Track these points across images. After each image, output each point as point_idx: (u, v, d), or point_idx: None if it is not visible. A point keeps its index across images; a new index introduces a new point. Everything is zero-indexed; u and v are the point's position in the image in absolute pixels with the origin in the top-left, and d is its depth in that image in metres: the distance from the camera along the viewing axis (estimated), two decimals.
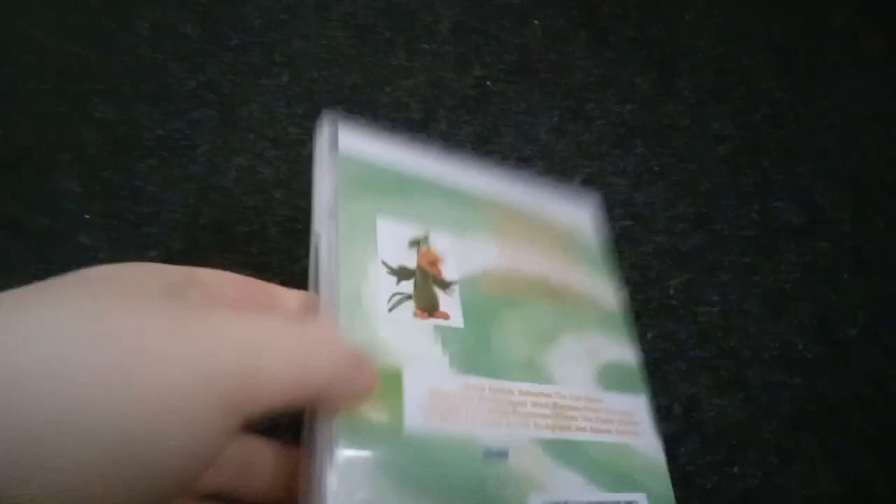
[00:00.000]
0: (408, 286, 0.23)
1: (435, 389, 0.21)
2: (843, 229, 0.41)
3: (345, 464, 0.19)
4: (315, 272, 0.23)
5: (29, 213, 0.33)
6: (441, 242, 0.25)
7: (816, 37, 0.52)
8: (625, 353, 0.26)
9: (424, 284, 0.23)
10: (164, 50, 0.37)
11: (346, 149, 0.25)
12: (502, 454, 0.21)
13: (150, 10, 0.39)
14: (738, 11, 0.57)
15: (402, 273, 0.23)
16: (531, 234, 0.27)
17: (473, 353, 0.22)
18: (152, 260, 0.29)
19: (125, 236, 0.32)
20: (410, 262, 0.24)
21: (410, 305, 0.23)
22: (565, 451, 0.22)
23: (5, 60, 0.35)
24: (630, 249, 0.37)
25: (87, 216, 0.33)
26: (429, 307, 0.23)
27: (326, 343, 0.18)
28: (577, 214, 0.29)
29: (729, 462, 0.32)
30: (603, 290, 0.27)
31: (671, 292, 0.36)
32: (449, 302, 0.23)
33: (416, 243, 0.24)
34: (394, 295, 0.22)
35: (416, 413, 0.20)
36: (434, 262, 0.24)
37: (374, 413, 0.20)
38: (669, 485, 0.24)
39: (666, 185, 0.40)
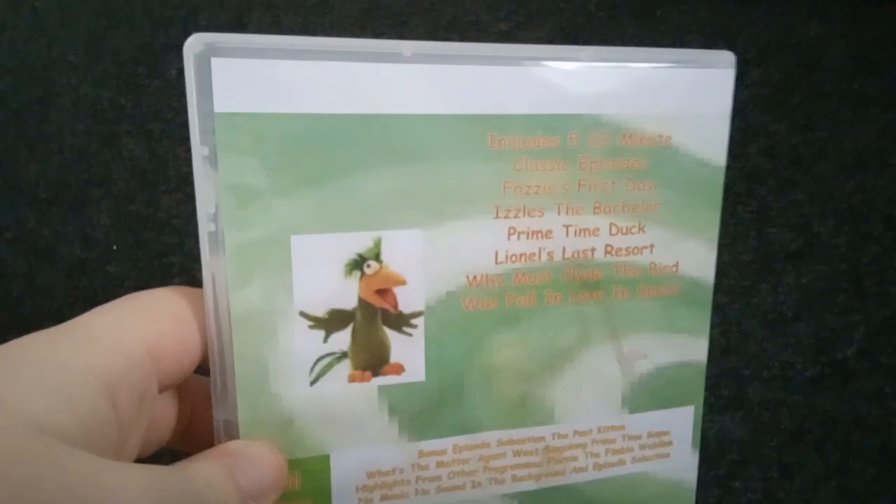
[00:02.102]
0: (342, 339, 0.17)
1: (374, 468, 0.17)
2: (839, 254, 0.43)
3: None
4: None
5: (62, 243, 0.35)
6: (402, 249, 0.17)
7: (811, 75, 0.54)
8: (691, 348, 0.20)
9: (369, 330, 0.17)
10: None
11: (228, 100, 0.15)
12: None
13: (178, 59, 0.42)
14: (734, 49, 0.60)
15: (333, 322, 0.16)
16: (569, 179, 0.18)
17: (436, 410, 0.18)
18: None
19: (151, 266, 0.34)
20: (348, 297, 0.16)
21: (345, 367, 0.17)
22: (550, 500, 0.19)
23: (46, 106, 0.38)
24: None
25: (115, 247, 0.35)
26: (372, 363, 0.17)
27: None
28: (676, 107, 0.19)
29: (731, 477, 0.33)
30: (689, 248, 0.20)
31: None
32: (406, 347, 0.17)
33: (356, 265, 0.16)
34: (319, 360, 0.17)
35: (348, 501, 0.17)
36: (387, 289, 0.17)
37: None
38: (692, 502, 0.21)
39: None
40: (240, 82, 0.15)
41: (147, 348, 0.15)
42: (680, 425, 0.20)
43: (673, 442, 0.20)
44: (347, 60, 0.16)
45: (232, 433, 0.16)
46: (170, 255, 0.35)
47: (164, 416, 0.18)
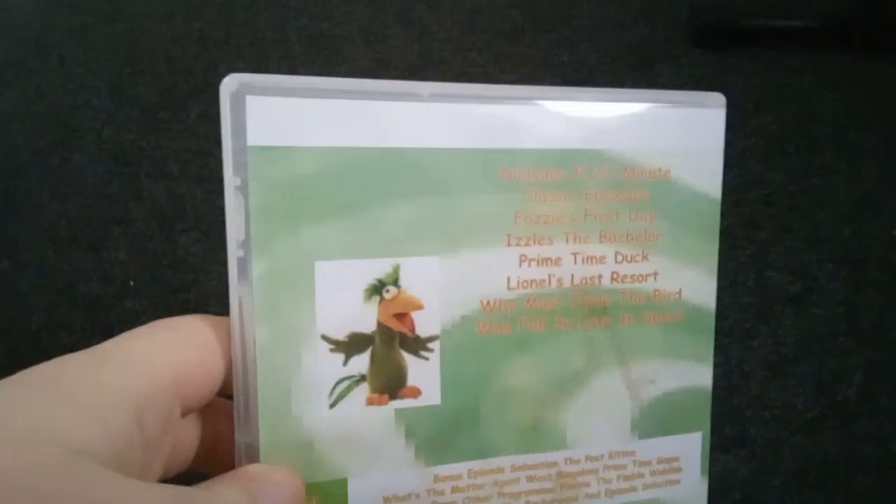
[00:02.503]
0: (361, 362, 0.17)
1: (391, 493, 0.18)
2: (837, 297, 0.44)
3: None
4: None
5: (82, 280, 0.36)
6: (419, 276, 0.18)
7: (805, 126, 0.55)
8: (696, 374, 0.21)
9: (387, 353, 0.17)
10: (208, 137, 0.42)
11: (260, 134, 0.16)
12: None
13: (196, 103, 0.43)
14: (732, 102, 0.62)
15: (353, 345, 0.17)
16: (576, 210, 0.19)
17: (451, 433, 0.18)
18: None
19: (166, 302, 0.35)
20: (367, 321, 0.17)
21: (363, 390, 0.17)
22: None
23: (69, 148, 0.40)
24: None
25: (132, 283, 0.36)
26: (390, 386, 0.18)
27: None
28: (676, 143, 0.20)
29: None
30: (690, 276, 0.20)
31: None
32: (423, 371, 0.18)
33: (376, 290, 0.17)
34: (339, 382, 0.17)
35: None
36: (405, 313, 0.18)
37: None
38: None
39: None
40: (271, 118, 0.16)
41: (173, 373, 0.16)
42: (688, 451, 0.21)
43: (682, 468, 0.21)
44: (371, 99, 0.17)
45: (253, 456, 0.17)
46: (185, 292, 0.36)
47: (187, 438, 0.18)
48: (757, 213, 0.49)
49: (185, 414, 0.17)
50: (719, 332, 0.41)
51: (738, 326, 0.41)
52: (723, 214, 0.49)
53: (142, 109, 0.43)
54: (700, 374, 0.21)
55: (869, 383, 0.40)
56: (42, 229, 0.37)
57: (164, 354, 0.16)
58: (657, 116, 0.20)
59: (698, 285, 0.20)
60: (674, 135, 0.20)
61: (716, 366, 0.40)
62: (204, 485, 0.15)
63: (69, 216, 0.38)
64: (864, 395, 0.39)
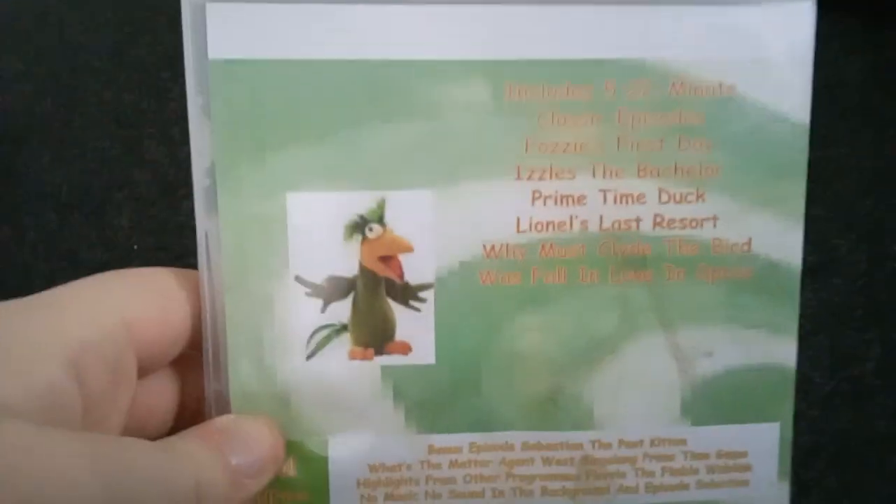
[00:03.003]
0: (342, 309, 0.15)
1: (378, 461, 0.16)
2: (857, 269, 0.42)
3: None
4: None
5: (85, 246, 0.35)
6: (408, 212, 0.15)
7: (829, 93, 0.54)
8: (771, 347, 0.17)
9: (371, 301, 0.15)
10: None
11: (222, 46, 0.14)
12: None
13: None
14: None
15: (331, 290, 0.15)
16: (608, 133, 0.15)
17: (449, 399, 0.16)
18: None
19: (170, 267, 0.35)
20: (348, 263, 0.15)
21: (345, 342, 0.15)
22: None
23: (71, 112, 0.39)
24: None
25: (136, 246, 0.35)
26: (376, 340, 0.15)
27: (190, 471, 0.13)
28: (743, 50, 0.16)
29: None
30: (764, 222, 0.16)
31: None
32: (414, 324, 0.15)
33: (357, 228, 0.15)
34: (316, 331, 0.15)
35: (348, 497, 0.16)
36: (391, 255, 0.15)
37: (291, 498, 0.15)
38: None
39: None
40: (235, 28, 0.14)
41: (123, 322, 0.14)
42: (761, 446, 0.17)
43: (752, 466, 0.17)
44: (347, 2, 0.15)
45: (223, 407, 0.15)
46: (190, 258, 0.35)
47: (162, 398, 0.17)
48: None
49: (149, 369, 0.16)
50: None
51: None
52: None
53: (143, 71, 0.41)
54: (778, 349, 0.17)
55: (886, 357, 0.39)
56: (43, 195, 0.37)
57: (113, 301, 0.15)
58: (718, 15, 0.15)
59: (775, 235, 0.16)
60: (742, 38, 0.15)
61: None
62: (165, 441, 0.14)
63: (71, 181, 0.37)
64: (881, 370, 0.38)
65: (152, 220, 0.36)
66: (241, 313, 0.15)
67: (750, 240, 0.16)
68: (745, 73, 0.15)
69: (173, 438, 0.14)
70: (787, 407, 0.17)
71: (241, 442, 0.15)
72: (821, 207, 0.46)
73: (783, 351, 0.17)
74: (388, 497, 0.16)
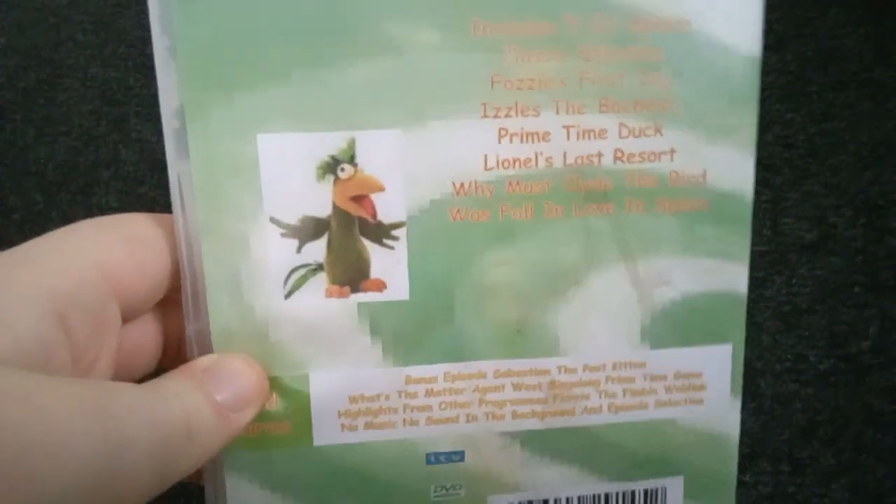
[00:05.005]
0: (317, 249, 0.16)
1: (357, 392, 0.16)
2: (855, 246, 0.42)
3: (235, 496, 0.16)
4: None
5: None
6: (379, 152, 0.15)
7: (828, 63, 0.53)
8: (725, 275, 0.18)
9: (346, 241, 0.16)
10: None
11: None
12: (454, 457, 0.17)
13: None
14: None
15: (306, 230, 0.15)
16: (571, 69, 0.16)
17: (423, 332, 0.16)
18: None
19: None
20: (321, 204, 0.15)
21: (321, 281, 0.16)
22: (557, 441, 0.17)
23: (55, 88, 0.38)
24: None
25: None
26: (351, 278, 0.16)
27: (180, 406, 0.14)
28: None
29: (741, 470, 0.32)
30: (718, 154, 0.17)
31: None
32: (387, 262, 0.16)
33: (329, 168, 0.15)
34: (294, 271, 0.16)
35: (330, 426, 0.16)
36: (363, 195, 0.16)
37: (274, 434, 0.16)
38: (732, 462, 0.18)
39: None
40: None
41: (101, 270, 0.15)
42: (715, 366, 0.18)
43: (706, 386, 0.18)
44: None
45: (205, 345, 0.16)
46: None
47: (147, 341, 0.17)
48: (774, 156, 0.47)
49: (132, 314, 0.16)
50: None
51: (751, 276, 0.39)
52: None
53: (128, 45, 0.40)
54: (731, 276, 0.18)
55: (884, 335, 0.39)
56: (28, 174, 0.36)
57: (90, 251, 0.15)
58: None
59: (729, 166, 0.17)
60: None
61: None
62: (150, 383, 0.14)
63: (56, 159, 0.36)
64: (878, 348, 0.38)
65: (141, 200, 0.36)
66: (217, 254, 0.15)
67: (705, 172, 0.17)
68: (699, 8, 0.16)
69: (160, 380, 0.15)
70: (740, 329, 0.18)
71: (226, 379, 0.15)
72: (818, 182, 0.45)
73: (736, 277, 0.18)
74: (367, 426, 0.17)
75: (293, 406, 0.16)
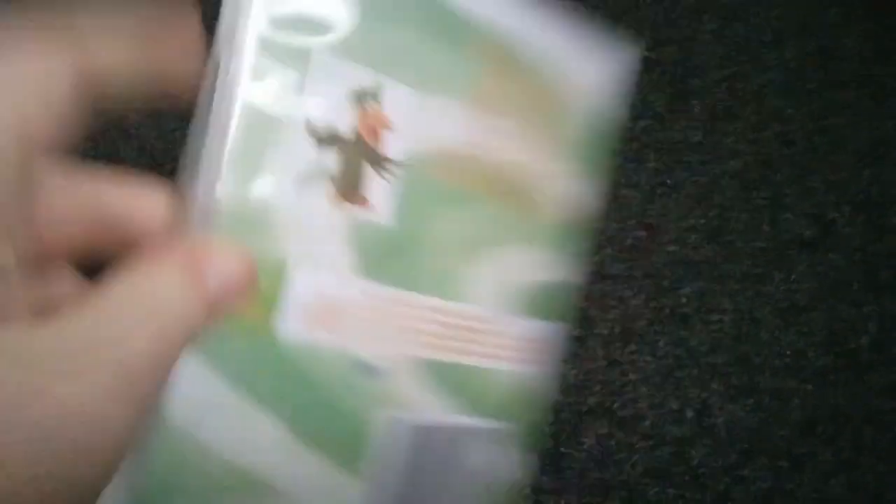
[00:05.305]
0: (331, 158, 0.18)
1: (325, 294, 0.18)
2: (853, 243, 0.42)
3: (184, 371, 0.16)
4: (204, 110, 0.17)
5: None
6: (397, 102, 0.18)
7: (828, 60, 0.53)
8: (563, 274, 0.23)
9: (353, 159, 0.18)
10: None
11: None
12: (376, 371, 0.19)
13: None
14: (750, 34, 0.59)
15: (329, 138, 0.18)
16: (521, 103, 0.21)
17: (390, 257, 0.19)
18: None
19: None
20: (347, 124, 0.18)
21: (325, 184, 0.18)
22: (446, 375, 0.20)
23: None
24: (643, 259, 0.38)
25: None
26: (349, 193, 0.18)
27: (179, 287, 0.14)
28: (597, 74, 0.22)
29: (740, 466, 0.32)
30: (575, 193, 0.22)
31: (683, 300, 0.37)
32: (378, 187, 0.18)
33: (360, 97, 0.18)
34: (306, 168, 0.17)
35: (295, 319, 0.17)
36: (376, 129, 0.18)
37: (242, 312, 0.17)
38: (544, 417, 0.23)
39: (678, 198, 0.41)
40: None
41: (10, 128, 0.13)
42: (553, 339, 0.23)
43: (545, 353, 0.22)
44: None
45: (204, 217, 0.16)
46: None
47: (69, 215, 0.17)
48: (773, 153, 0.47)
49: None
50: (729, 278, 0.40)
51: (751, 272, 0.39)
52: (737, 153, 0.47)
53: None
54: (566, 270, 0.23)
55: (883, 333, 0.39)
56: None
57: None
58: None
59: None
60: None
61: (725, 313, 0.39)
62: (144, 271, 0.14)
63: None
64: (877, 345, 0.38)
65: None
66: (251, 121, 0.16)
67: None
68: None
69: (151, 268, 0.14)
70: (567, 314, 0.23)
71: (217, 263, 0.15)
72: (817, 179, 0.45)
73: (565, 279, 0.23)
74: (327, 325, 0.18)
75: (266, 290, 0.17)
